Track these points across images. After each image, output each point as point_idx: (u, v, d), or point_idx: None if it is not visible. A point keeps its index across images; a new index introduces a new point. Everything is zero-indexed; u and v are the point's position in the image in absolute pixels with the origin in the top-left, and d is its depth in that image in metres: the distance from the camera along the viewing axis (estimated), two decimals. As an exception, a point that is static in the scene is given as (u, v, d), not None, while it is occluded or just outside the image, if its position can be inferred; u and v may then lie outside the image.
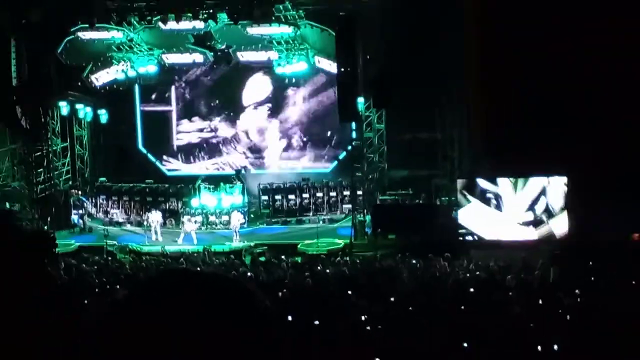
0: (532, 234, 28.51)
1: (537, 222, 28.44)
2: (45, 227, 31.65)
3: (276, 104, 35.94)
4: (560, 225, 28.43)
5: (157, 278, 1.59)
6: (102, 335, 1.50)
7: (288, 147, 35.80)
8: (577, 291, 20.37)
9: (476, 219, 28.66)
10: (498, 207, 28.38)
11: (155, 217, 32.33)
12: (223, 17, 31.17)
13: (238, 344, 1.50)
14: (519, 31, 28.44)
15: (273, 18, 31.26)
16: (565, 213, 28.33)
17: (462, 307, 17.99)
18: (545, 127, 28.01)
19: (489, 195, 28.61)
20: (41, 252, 6.13)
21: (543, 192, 28.35)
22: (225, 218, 32.58)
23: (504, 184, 28.58)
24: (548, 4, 28.26)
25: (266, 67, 33.87)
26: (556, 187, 28.36)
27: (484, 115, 30.76)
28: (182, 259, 27.98)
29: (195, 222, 32.42)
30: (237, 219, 32.16)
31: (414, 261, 26.49)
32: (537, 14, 28.21)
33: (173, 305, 1.50)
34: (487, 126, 30.76)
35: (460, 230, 28.88)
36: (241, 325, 1.52)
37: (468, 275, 23.84)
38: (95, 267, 26.45)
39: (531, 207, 28.37)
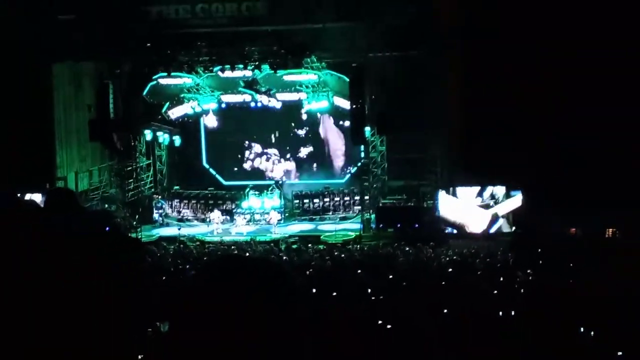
0: (485, 215, 28.62)
1: (486, 206, 28.66)
2: (134, 222, 31.80)
3: (307, 132, 35.72)
4: (503, 209, 28.74)
5: (216, 261, 1.57)
6: (178, 305, 1.48)
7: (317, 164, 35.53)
8: (528, 271, 20.32)
9: (450, 211, 28.91)
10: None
11: (215, 215, 32.40)
12: (265, 67, 31.23)
13: (276, 311, 1.48)
14: (489, 85, 28.42)
15: (303, 68, 31.38)
16: (507, 200, 28.61)
17: (443, 283, 17.97)
18: (503, 151, 27.95)
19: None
20: (133, 242, 6.16)
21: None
22: (267, 216, 32.50)
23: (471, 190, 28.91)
24: (513, 60, 28.15)
25: (298, 105, 33.64)
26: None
27: (460, 141, 30.73)
28: (234, 247, 27.98)
29: (245, 219, 32.47)
30: (276, 217, 32.20)
31: (407, 249, 26.47)
32: (506, 63, 28.14)
33: (228, 282, 1.49)
34: (461, 149, 30.72)
35: (441, 226, 28.95)
36: (278, 297, 1.51)
37: (447, 259, 23.84)
38: (171, 252, 26.53)
39: (480, 194, 28.76)
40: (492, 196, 28.83)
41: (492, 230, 28.64)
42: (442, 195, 29.22)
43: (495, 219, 28.67)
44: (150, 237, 30.15)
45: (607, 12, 28.36)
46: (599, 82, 28.57)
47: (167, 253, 26.23)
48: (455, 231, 28.89)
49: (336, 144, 35.35)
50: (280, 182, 34.30)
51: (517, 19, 27.63)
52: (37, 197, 24.44)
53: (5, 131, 30.78)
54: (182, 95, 34.33)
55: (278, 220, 32.18)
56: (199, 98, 34.25)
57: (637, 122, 28.14)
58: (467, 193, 29.02)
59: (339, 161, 35.49)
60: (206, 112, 35.03)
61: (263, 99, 32.80)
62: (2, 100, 30.83)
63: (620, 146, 28.64)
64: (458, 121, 30.52)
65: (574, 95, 28.61)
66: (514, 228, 28.43)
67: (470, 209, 28.89)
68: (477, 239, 27.88)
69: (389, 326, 11.86)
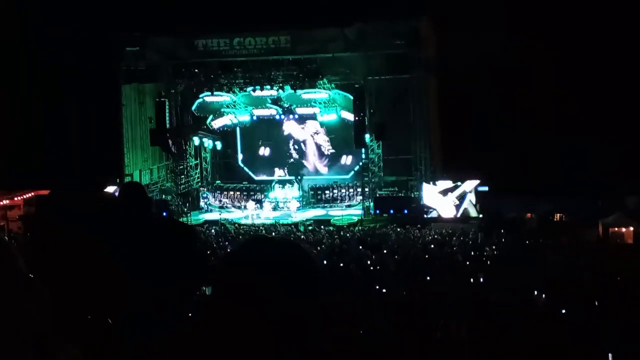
0: (450, 201, 28.73)
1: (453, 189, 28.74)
2: (185, 209, 31.93)
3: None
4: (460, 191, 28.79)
5: (249, 240, 1.54)
6: (218, 274, 1.46)
7: (329, 164, 35.42)
8: (493, 247, 20.31)
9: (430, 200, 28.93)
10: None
11: (250, 205, 32.43)
12: (287, 87, 31.26)
13: (298, 282, 1.44)
14: (462, 100, 28.49)
15: (317, 88, 31.39)
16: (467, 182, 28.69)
17: (427, 256, 17.97)
18: (474, 152, 28.02)
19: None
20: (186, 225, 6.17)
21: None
22: (288, 204, 32.49)
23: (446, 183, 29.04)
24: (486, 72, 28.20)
25: (313, 118, 33.59)
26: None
27: (440, 146, 30.78)
28: (262, 228, 28.07)
29: (271, 206, 32.48)
30: (295, 204, 32.22)
31: (398, 229, 26.48)
32: (474, 85, 28.19)
33: (258, 257, 1.46)
34: (441, 151, 30.76)
35: (425, 212, 28.97)
36: (299, 269, 1.47)
37: (430, 237, 23.82)
38: (214, 232, 26.64)
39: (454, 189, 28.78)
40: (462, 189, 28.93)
41: (459, 214, 28.59)
42: (425, 187, 29.23)
43: (459, 203, 28.62)
44: (197, 221, 30.15)
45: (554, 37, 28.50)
46: (551, 89, 28.76)
47: (210, 233, 26.37)
48: (435, 215, 28.87)
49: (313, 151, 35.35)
50: (299, 177, 34.25)
51: (482, 52, 27.69)
52: (111, 189, 24.63)
53: (85, 139, 31.07)
54: (222, 110, 34.35)
55: (297, 207, 32.17)
56: (236, 112, 34.27)
57: (585, 122, 28.18)
58: (443, 186, 29.01)
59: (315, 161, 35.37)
60: (242, 123, 35.03)
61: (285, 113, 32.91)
62: (84, 116, 31.16)
63: (568, 144, 28.69)
64: (438, 130, 30.64)
65: (529, 107, 28.71)
66: (481, 215, 28.37)
67: (442, 198, 28.94)
68: (454, 222, 27.84)
69: (384, 290, 11.88)
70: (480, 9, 27.38)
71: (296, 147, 35.16)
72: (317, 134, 34.74)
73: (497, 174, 27.86)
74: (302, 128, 34.78)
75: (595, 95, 28.63)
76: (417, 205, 29.18)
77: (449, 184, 28.78)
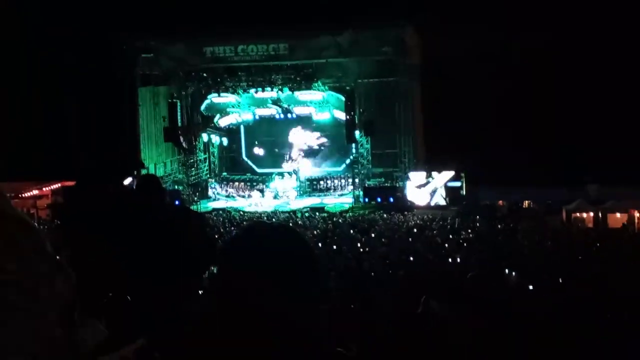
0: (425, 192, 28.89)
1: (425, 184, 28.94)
2: (195, 198, 31.86)
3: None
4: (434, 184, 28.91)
5: (252, 225, 1.51)
6: (223, 255, 1.44)
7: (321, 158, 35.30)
8: (469, 230, 20.35)
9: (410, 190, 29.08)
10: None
11: (255, 194, 32.36)
12: (286, 89, 31.19)
13: (295, 264, 1.42)
14: (443, 101, 28.47)
15: (312, 89, 31.28)
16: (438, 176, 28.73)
17: (410, 239, 17.95)
18: (452, 146, 28.03)
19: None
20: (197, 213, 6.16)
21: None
22: (287, 193, 32.45)
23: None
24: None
25: (309, 117, 33.38)
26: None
27: (423, 141, 30.80)
28: (264, 215, 28.02)
29: (272, 195, 32.41)
30: (293, 194, 32.20)
31: (385, 215, 26.51)
32: (454, 87, 28.19)
33: (260, 239, 1.44)
34: (422, 146, 30.77)
35: (407, 200, 29.01)
36: (296, 251, 1.45)
37: (413, 222, 23.80)
38: (221, 219, 26.61)
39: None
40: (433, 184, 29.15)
41: (432, 203, 28.73)
42: (408, 178, 29.30)
43: (432, 193, 28.77)
44: (206, 209, 30.19)
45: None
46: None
47: (218, 219, 26.37)
48: (415, 203, 28.95)
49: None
50: (296, 169, 34.15)
51: (462, 57, 27.75)
52: (128, 180, 24.57)
53: (104, 137, 30.95)
54: (228, 109, 34.18)
55: (295, 196, 32.15)
56: (240, 111, 34.12)
57: (553, 120, 28.33)
58: (420, 177, 29.10)
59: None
60: (245, 122, 34.89)
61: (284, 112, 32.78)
62: (105, 116, 31.04)
63: (537, 139, 28.78)
64: (420, 126, 30.66)
65: (502, 105, 28.75)
66: (448, 202, 28.56)
67: (419, 189, 29.06)
68: (435, 209, 27.91)
69: (372, 274, 11.83)
70: (462, 17, 27.39)
71: (293, 155, 34.77)
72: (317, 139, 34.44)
73: (473, 166, 27.91)
74: (305, 139, 34.34)
75: (561, 92, 28.80)
76: (401, 194, 29.19)
77: (422, 178, 28.85)
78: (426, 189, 28.83)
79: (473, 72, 28.21)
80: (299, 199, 32.05)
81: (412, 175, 29.41)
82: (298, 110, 32.75)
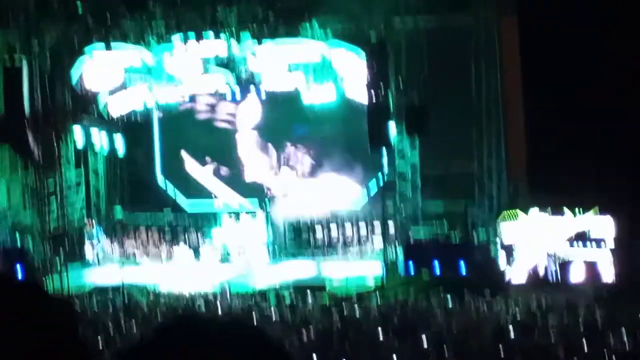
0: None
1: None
2: (58, 262, 31.69)
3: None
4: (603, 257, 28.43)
5: (176, 322, 1.64)
6: None
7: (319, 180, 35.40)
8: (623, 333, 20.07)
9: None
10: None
11: (176, 252, 32.44)
12: (246, 36, 31.35)
13: None
14: (563, 56, 28.42)
15: (299, 37, 31.41)
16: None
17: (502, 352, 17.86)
18: (589, 159, 27.97)
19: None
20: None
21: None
22: (248, 253, 32.49)
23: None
24: (592, 27, 28.19)
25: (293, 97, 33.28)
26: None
27: (524, 144, 30.72)
28: (199, 302, 27.85)
29: (216, 256, 32.46)
30: (260, 254, 32.20)
31: (449, 301, 26.37)
32: (582, 35, 28.15)
33: (190, 352, 1.53)
34: (527, 155, 30.71)
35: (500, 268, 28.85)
36: None
37: (509, 317, 23.63)
38: (110, 308, 26.56)
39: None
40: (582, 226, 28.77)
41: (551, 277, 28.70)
42: (504, 223, 29.13)
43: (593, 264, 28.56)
44: (81, 288, 30.14)
45: None
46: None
47: (105, 308, 26.18)
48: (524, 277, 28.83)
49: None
50: (264, 201, 34.02)
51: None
52: None
53: None
54: (126, 80, 34.26)
55: (265, 260, 32.24)
56: (152, 84, 34.16)
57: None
58: (542, 220, 28.95)
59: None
60: (163, 107, 35.02)
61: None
62: None
63: None
64: (520, 116, 30.56)
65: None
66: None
67: (550, 245, 28.84)
68: (556, 289, 27.77)
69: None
70: None
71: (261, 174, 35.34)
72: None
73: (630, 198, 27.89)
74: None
75: None
76: (487, 256, 29.10)
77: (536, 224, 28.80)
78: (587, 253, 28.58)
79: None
80: (273, 264, 32.15)
81: (508, 217, 29.23)
82: (270, 84, 32.90)
